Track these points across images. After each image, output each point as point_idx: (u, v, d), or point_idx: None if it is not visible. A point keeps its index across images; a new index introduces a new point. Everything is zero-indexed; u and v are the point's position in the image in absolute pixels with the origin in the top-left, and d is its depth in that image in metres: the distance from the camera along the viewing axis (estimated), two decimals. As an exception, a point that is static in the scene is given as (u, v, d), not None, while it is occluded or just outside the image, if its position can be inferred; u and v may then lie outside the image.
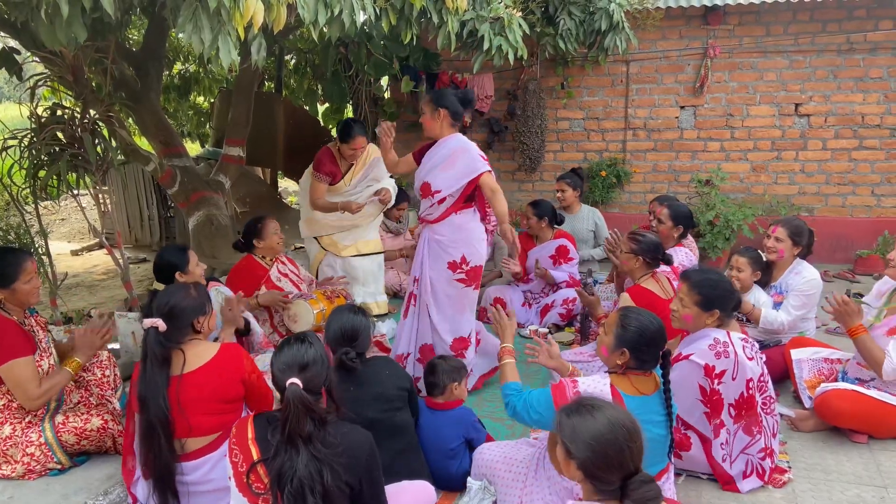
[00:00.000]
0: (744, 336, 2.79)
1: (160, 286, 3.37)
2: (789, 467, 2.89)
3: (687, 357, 2.72)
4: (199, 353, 2.46)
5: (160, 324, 2.37)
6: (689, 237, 4.46)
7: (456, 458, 2.75)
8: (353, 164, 4.73)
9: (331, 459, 1.92)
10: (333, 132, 7.62)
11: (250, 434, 2.04)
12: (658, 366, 2.43)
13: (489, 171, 3.49)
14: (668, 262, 3.68)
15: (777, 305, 3.78)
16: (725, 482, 2.77)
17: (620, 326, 2.41)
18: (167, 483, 2.35)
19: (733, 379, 2.69)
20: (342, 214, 4.66)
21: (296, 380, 1.96)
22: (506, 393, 2.54)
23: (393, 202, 5.02)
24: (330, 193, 4.69)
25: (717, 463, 2.76)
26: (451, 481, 2.74)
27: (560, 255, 4.98)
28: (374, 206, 4.88)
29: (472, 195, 3.54)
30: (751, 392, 2.73)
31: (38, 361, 2.82)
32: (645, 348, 2.38)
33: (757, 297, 3.78)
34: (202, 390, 2.40)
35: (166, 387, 2.35)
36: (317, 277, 4.81)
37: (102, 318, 3.12)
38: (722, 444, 2.75)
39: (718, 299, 2.74)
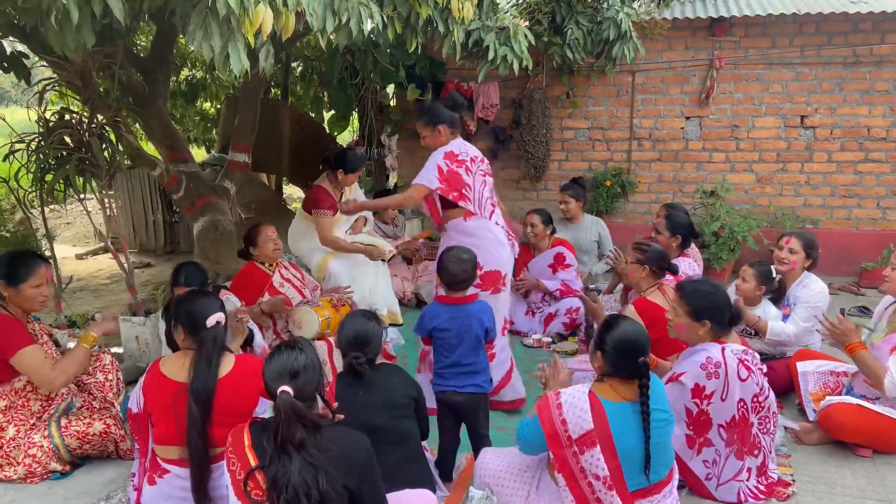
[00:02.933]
0: (742, 349, 2.74)
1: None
2: (793, 480, 2.87)
3: (678, 377, 2.69)
4: (221, 364, 2.44)
5: (222, 317, 2.42)
6: (694, 247, 4.38)
7: (481, 349, 2.99)
8: (342, 192, 4.70)
9: (325, 464, 1.91)
10: (339, 138, 7.66)
11: (247, 441, 2.03)
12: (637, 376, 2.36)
13: (422, 184, 3.52)
14: (675, 271, 3.61)
15: (786, 318, 3.75)
16: (703, 497, 2.74)
17: (598, 332, 2.43)
18: (203, 474, 2.34)
19: (722, 400, 2.64)
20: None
21: (286, 388, 1.95)
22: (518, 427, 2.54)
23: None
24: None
25: (698, 478, 2.73)
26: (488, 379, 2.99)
27: (557, 263, 4.98)
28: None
29: (452, 202, 3.55)
30: (742, 413, 2.68)
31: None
32: (616, 353, 2.33)
33: (767, 311, 3.75)
34: (220, 401, 2.36)
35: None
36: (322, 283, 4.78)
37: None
38: (705, 461, 2.70)
39: (708, 310, 2.72)
